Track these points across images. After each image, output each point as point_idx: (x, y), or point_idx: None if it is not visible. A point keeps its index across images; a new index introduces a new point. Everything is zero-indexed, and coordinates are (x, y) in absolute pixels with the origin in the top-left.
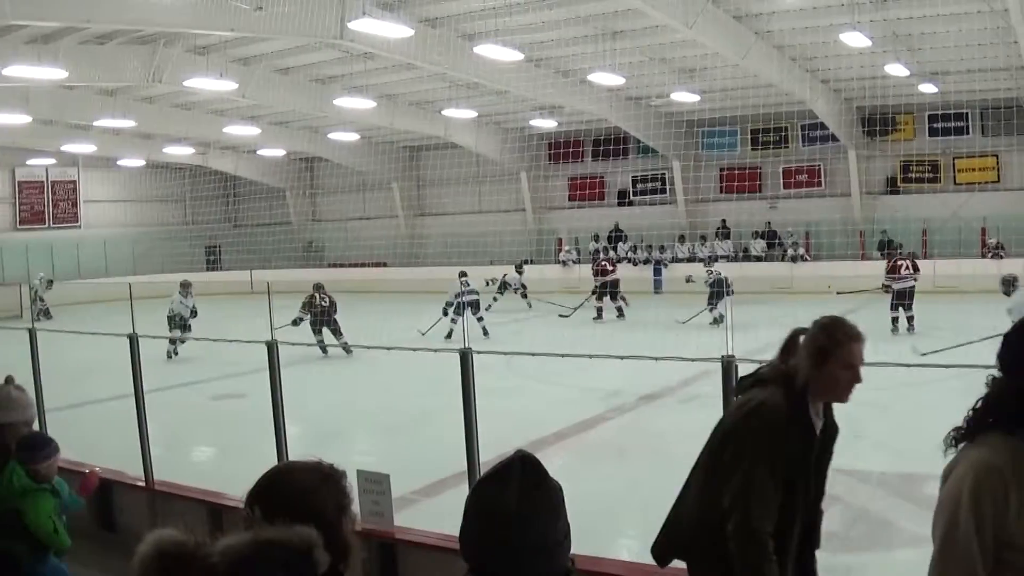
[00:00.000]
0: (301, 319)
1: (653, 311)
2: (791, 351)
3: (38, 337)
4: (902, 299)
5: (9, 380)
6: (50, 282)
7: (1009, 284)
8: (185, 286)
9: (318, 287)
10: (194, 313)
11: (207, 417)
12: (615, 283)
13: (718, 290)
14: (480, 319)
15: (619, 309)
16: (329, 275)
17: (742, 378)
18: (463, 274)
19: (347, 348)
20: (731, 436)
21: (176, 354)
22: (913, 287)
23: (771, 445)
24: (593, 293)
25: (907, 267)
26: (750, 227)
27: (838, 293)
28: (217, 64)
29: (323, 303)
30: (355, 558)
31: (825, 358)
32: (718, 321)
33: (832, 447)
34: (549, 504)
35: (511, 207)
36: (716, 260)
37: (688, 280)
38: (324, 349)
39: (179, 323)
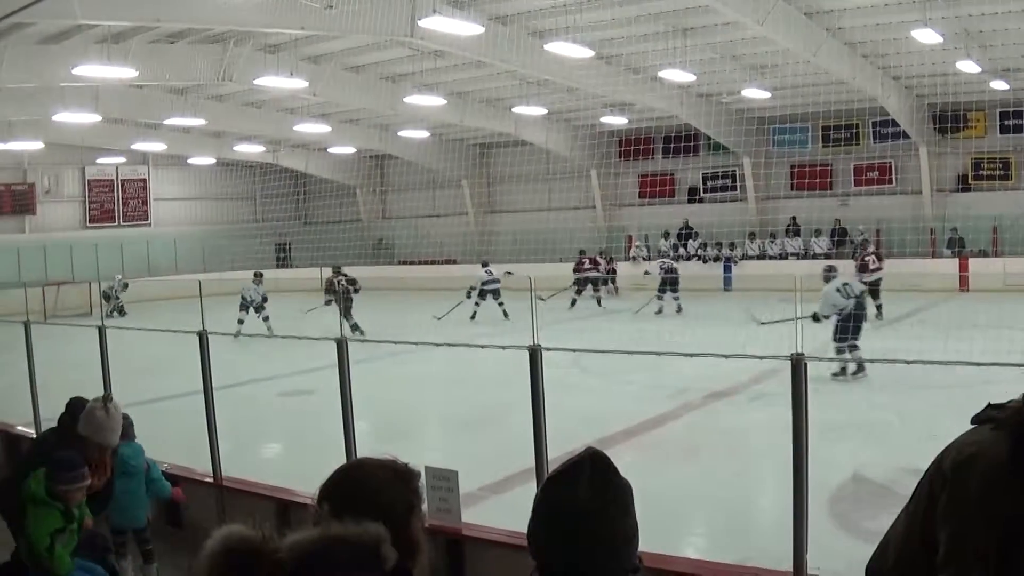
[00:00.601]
0: (329, 300)
1: (723, 308)
2: None
3: (108, 334)
4: (874, 287)
5: (106, 399)
6: (126, 284)
7: (827, 272)
8: (257, 276)
9: (336, 269)
10: (265, 299)
11: (275, 413)
12: (595, 281)
13: (668, 277)
14: (501, 303)
15: (598, 300)
16: (399, 272)
17: (985, 408)
18: (485, 264)
19: (356, 328)
20: (946, 484)
21: (238, 336)
22: (880, 279)
23: (986, 505)
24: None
25: (874, 261)
26: (821, 224)
27: (761, 324)
28: (287, 62)
29: (341, 285)
30: (423, 556)
31: None
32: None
33: None
34: (618, 502)
35: (581, 204)
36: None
37: (646, 274)
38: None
39: (249, 304)
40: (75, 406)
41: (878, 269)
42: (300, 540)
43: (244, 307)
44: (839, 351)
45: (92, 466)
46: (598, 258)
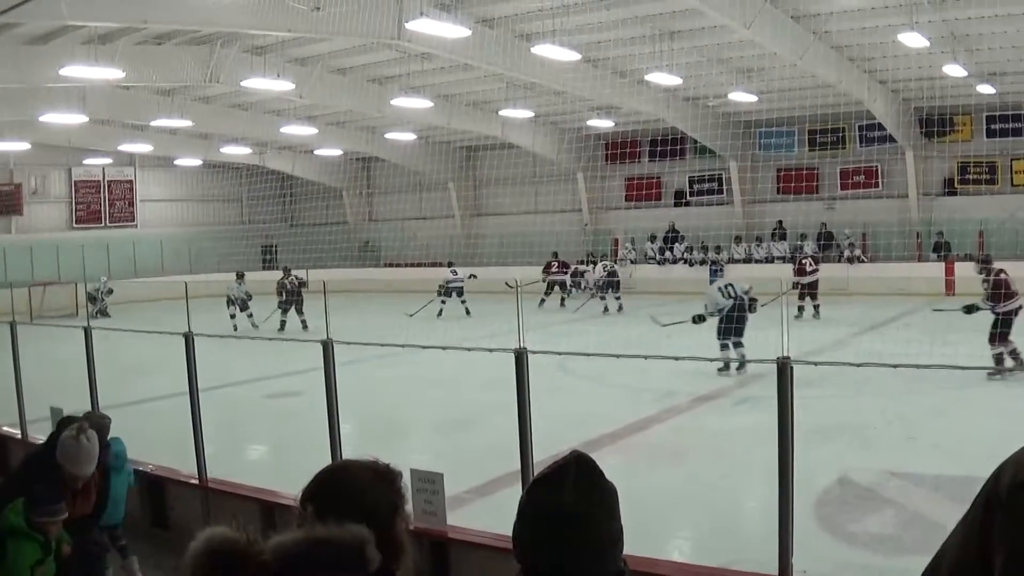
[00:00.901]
0: (282, 301)
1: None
2: None
3: (94, 335)
4: (811, 290)
5: (81, 428)
6: (111, 290)
7: (715, 265)
8: (239, 275)
9: (286, 271)
10: (249, 296)
11: (261, 415)
12: (563, 283)
13: (611, 280)
14: (463, 301)
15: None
16: (385, 274)
17: None
18: (451, 265)
19: (305, 325)
20: (1002, 505)
21: (236, 328)
22: (816, 280)
23: None
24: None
25: (810, 264)
26: (807, 228)
27: (663, 326)
28: (274, 64)
29: (291, 285)
30: (407, 557)
31: None
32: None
33: None
34: (604, 505)
35: (568, 207)
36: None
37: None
38: (283, 326)
39: (234, 302)
40: (61, 427)
41: (814, 271)
42: (284, 541)
43: (231, 304)
44: (723, 347)
45: (74, 494)
46: (568, 261)
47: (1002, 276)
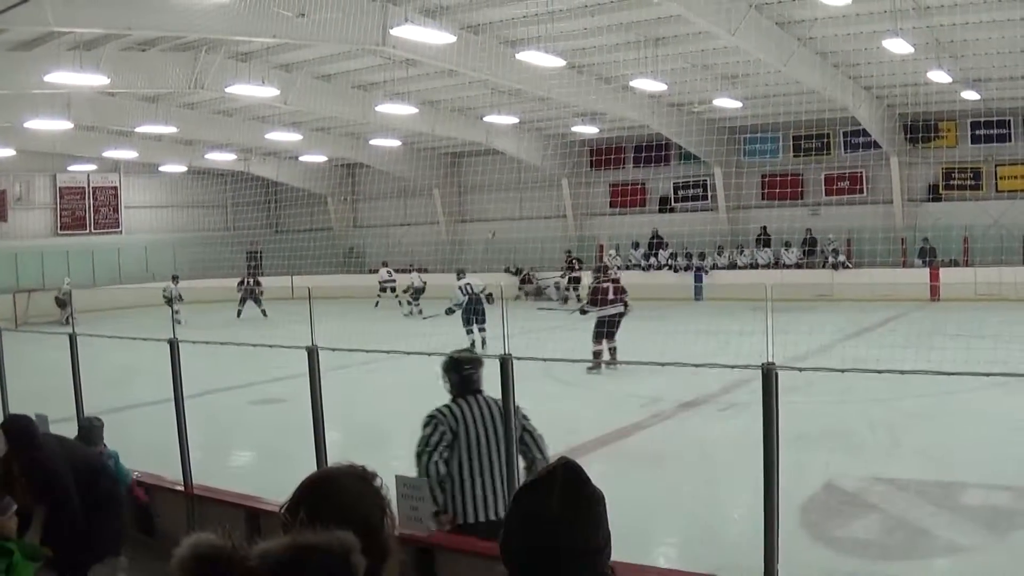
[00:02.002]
0: (244, 297)
1: (694, 318)
2: None
3: (79, 342)
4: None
5: None
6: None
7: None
8: (175, 278)
9: (250, 271)
10: (180, 297)
11: (247, 422)
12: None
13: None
14: (414, 302)
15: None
16: (370, 281)
17: None
18: (422, 270)
19: (264, 313)
20: None
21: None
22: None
23: None
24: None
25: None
26: (791, 234)
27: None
28: (259, 71)
29: (250, 282)
30: (393, 561)
31: None
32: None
33: None
34: (591, 512)
35: (552, 213)
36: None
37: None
38: (239, 315)
39: (170, 300)
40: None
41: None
42: (271, 548)
43: (166, 302)
44: (468, 332)
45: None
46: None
47: (603, 284)
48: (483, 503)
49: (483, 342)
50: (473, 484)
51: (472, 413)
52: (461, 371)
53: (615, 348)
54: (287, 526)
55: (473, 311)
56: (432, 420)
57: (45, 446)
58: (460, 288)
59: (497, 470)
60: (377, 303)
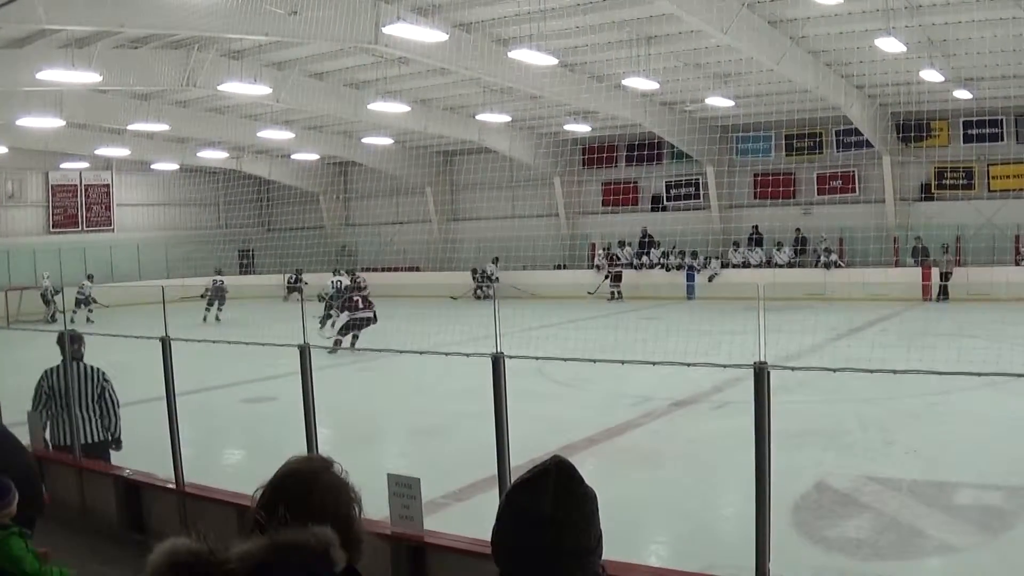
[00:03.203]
0: (209, 298)
1: (686, 316)
2: None
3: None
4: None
5: None
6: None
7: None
8: (89, 277)
9: (218, 271)
10: (94, 300)
11: (238, 420)
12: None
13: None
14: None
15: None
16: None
17: None
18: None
19: (218, 319)
20: None
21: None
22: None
23: None
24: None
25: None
26: (783, 233)
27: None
28: (251, 69)
29: (217, 285)
30: (367, 549)
31: None
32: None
33: None
34: (583, 510)
35: (544, 212)
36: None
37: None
38: (205, 319)
39: (81, 301)
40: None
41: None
42: (250, 549)
43: (78, 303)
44: (326, 316)
45: None
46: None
47: (355, 297)
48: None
49: (216, 319)
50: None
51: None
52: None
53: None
54: (261, 524)
55: (333, 306)
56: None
57: None
58: (331, 283)
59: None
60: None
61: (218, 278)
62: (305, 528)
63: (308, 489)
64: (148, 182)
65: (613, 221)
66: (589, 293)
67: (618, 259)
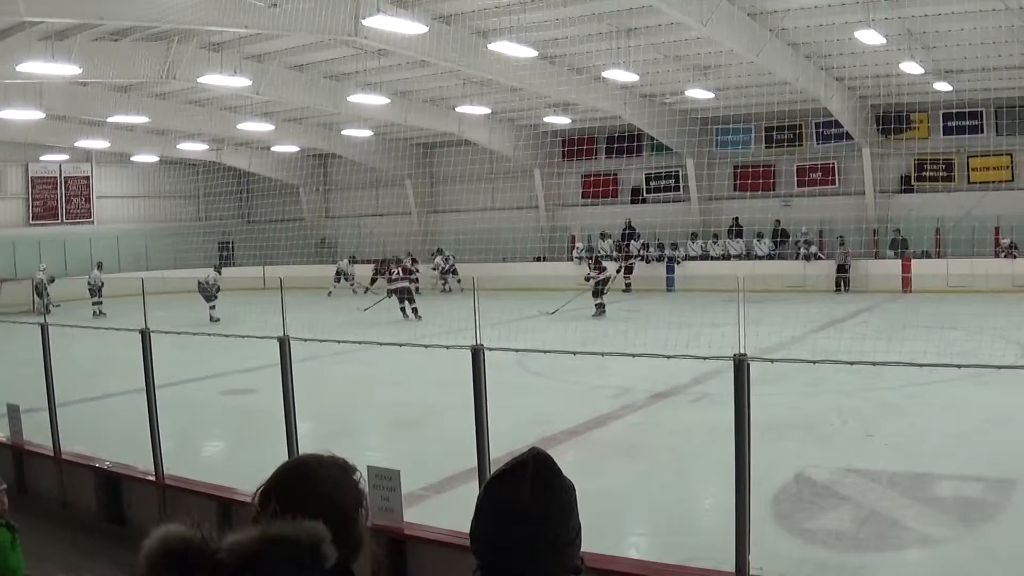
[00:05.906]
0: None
1: (666, 308)
2: None
3: (50, 332)
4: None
5: None
6: (52, 278)
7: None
8: (99, 266)
9: (216, 267)
10: (48, 286)
11: (218, 412)
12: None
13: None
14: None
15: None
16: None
17: None
18: (399, 261)
19: (212, 319)
20: None
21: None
22: (407, 287)
23: None
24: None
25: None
26: (763, 225)
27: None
28: (231, 61)
29: (208, 281)
30: (365, 552)
31: None
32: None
33: None
34: (562, 502)
35: (524, 204)
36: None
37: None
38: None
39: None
40: None
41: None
42: (240, 540)
43: (38, 293)
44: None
45: None
46: (410, 265)
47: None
48: None
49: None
50: None
51: None
52: None
53: None
54: (258, 515)
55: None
56: None
57: None
58: (212, 275)
59: None
60: (330, 292)
61: (211, 275)
62: (297, 521)
63: (309, 483)
64: (128, 174)
65: (593, 213)
66: (586, 279)
67: (630, 251)
